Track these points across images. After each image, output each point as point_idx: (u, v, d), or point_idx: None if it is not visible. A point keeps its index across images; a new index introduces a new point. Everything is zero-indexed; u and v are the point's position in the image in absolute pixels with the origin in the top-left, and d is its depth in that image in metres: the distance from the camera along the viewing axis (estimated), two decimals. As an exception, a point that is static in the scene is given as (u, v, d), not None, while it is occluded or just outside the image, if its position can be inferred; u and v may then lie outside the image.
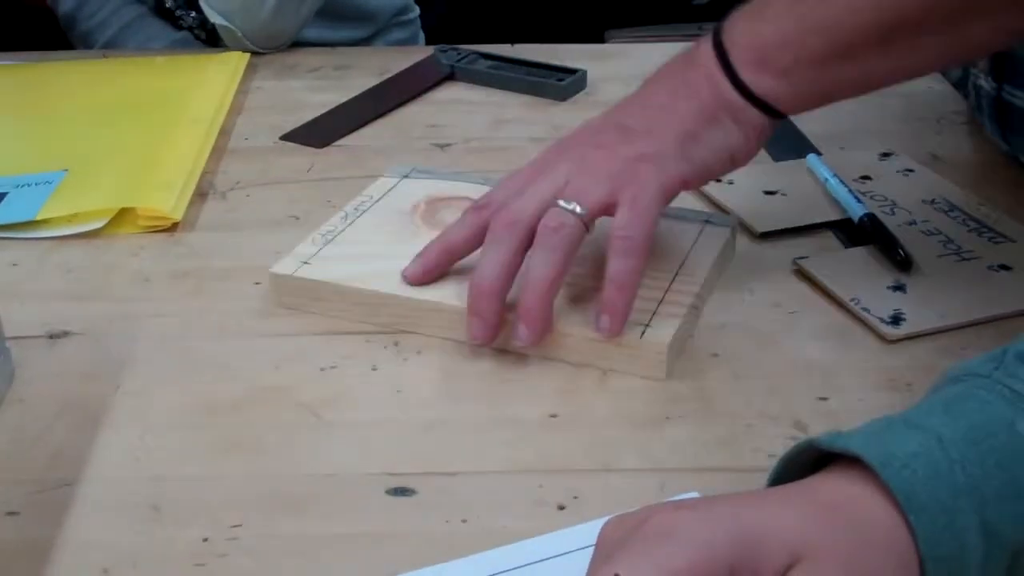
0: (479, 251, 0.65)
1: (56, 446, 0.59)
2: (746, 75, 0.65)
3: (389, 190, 0.79)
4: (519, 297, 0.63)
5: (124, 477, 0.57)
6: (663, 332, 0.63)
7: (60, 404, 0.62)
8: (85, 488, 0.56)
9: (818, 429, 0.59)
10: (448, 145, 0.93)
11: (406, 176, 0.81)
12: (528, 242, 0.63)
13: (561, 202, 0.63)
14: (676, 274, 0.68)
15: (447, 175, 0.81)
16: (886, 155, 0.85)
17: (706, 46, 0.67)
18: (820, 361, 0.64)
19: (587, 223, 0.63)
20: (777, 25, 0.64)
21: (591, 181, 0.63)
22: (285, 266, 0.71)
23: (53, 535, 0.53)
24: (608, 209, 0.63)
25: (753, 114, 0.66)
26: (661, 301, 0.66)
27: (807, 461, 0.45)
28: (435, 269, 0.67)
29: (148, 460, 0.58)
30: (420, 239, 0.70)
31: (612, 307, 0.62)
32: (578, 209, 0.62)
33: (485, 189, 0.71)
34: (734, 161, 0.67)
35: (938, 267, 0.71)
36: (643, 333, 0.63)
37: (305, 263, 0.70)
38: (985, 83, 0.82)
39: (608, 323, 0.62)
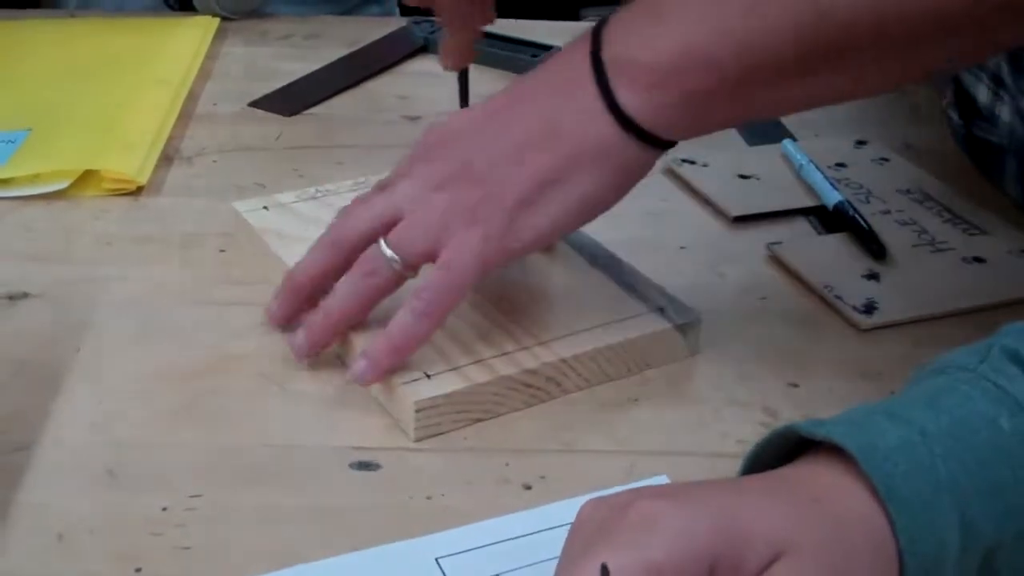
0: None
1: (12, 408, 0.57)
2: (631, 100, 0.54)
3: None
4: (311, 313, 0.60)
5: (81, 442, 0.55)
6: None
7: (17, 366, 0.60)
8: (41, 452, 0.55)
9: (788, 416, 0.58)
10: (418, 118, 0.91)
11: None
12: (349, 261, 0.60)
13: (383, 245, 0.58)
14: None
15: None
16: (861, 143, 0.85)
17: (582, 60, 0.56)
18: (791, 348, 0.64)
19: (404, 272, 0.59)
20: (685, 31, 0.53)
21: (417, 231, 0.58)
22: (246, 204, 0.70)
23: (7, 498, 0.52)
24: (430, 259, 0.58)
25: (632, 152, 0.56)
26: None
27: (782, 447, 0.45)
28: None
29: (106, 425, 0.57)
30: None
31: (375, 360, 0.57)
32: (396, 261, 0.58)
33: None
34: (594, 212, 0.58)
35: (912, 257, 0.71)
36: None
37: (264, 208, 0.68)
38: (954, 117, 0.81)
39: (362, 371, 0.57)
